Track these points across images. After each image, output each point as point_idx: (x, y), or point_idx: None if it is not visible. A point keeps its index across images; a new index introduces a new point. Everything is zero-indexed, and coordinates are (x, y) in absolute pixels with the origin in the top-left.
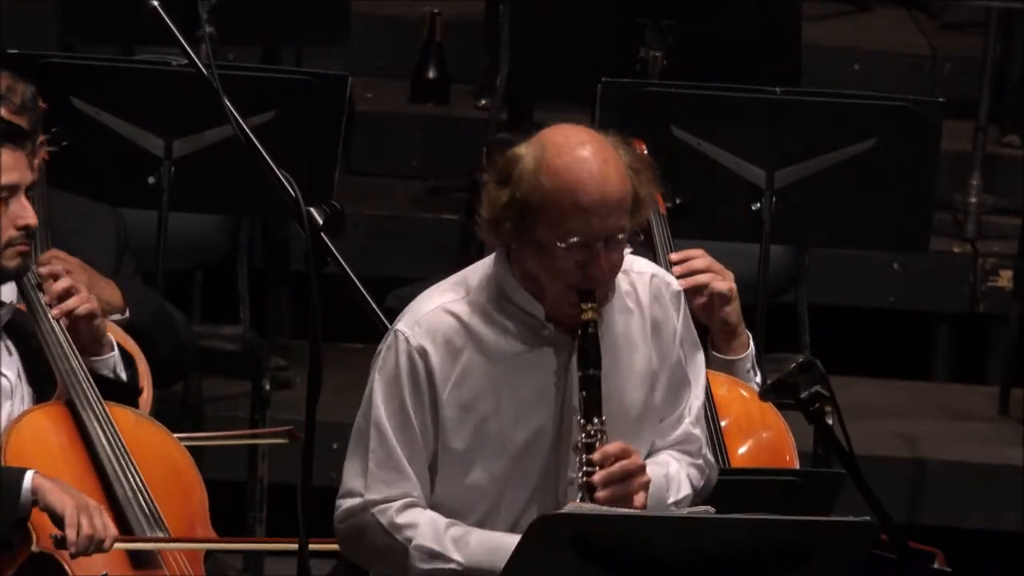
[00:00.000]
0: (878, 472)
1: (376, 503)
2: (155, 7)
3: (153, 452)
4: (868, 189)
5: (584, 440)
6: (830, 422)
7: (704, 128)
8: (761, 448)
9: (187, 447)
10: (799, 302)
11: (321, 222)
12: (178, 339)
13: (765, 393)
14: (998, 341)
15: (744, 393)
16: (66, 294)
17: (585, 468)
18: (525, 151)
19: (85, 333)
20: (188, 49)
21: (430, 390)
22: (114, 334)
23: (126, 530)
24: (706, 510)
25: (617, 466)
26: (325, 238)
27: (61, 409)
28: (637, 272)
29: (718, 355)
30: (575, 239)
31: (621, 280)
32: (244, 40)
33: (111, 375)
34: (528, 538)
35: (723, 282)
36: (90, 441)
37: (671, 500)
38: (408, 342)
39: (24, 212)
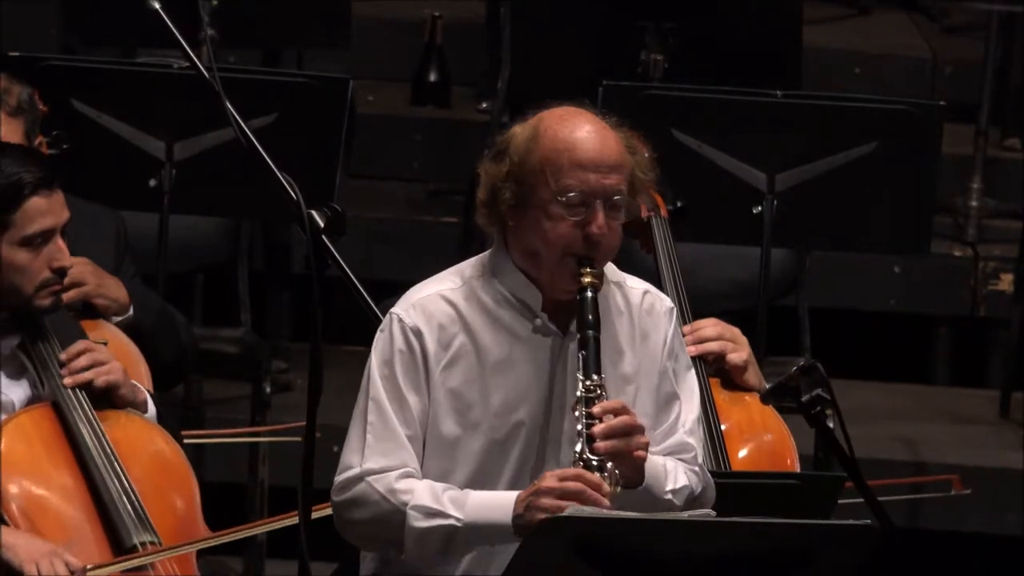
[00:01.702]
0: (878, 475)
1: (373, 472)
2: (157, 9)
3: (143, 450)
4: (869, 192)
5: (584, 394)
6: (831, 425)
7: (705, 131)
8: (762, 452)
9: (193, 445)
10: (800, 305)
11: (322, 225)
12: (179, 341)
13: (766, 396)
14: (999, 344)
15: (745, 397)
16: (87, 367)
17: (585, 420)
18: (520, 128)
19: (112, 401)
20: (189, 51)
21: (425, 369)
22: (115, 337)
23: (113, 532)
24: (707, 513)
25: (618, 420)
26: (326, 241)
27: (48, 411)
28: (631, 286)
29: None
30: (574, 194)
31: (614, 291)
32: (245, 43)
33: None
34: (530, 540)
35: (737, 353)
36: (76, 443)
37: (668, 488)
38: (403, 322)
39: (59, 254)
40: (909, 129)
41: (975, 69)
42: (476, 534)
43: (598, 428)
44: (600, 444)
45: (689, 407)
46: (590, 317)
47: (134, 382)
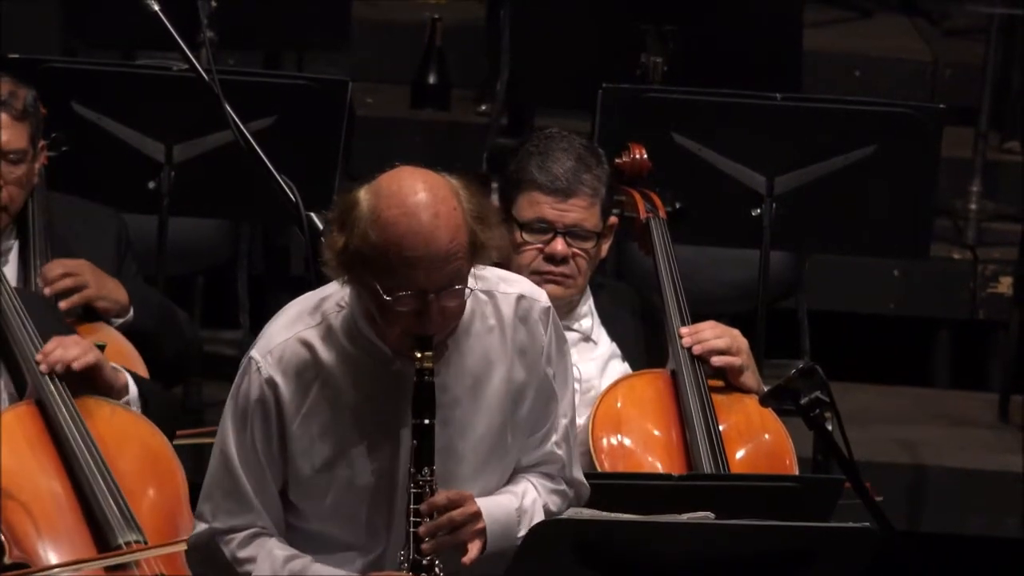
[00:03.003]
0: (878, 479)
1: (220, 532)
2: (156, 12)
3: (128, 443)
4: (868, 195)
5: (413, 490)
6: (830, 428)
7: (705, 134)
8: (760, 454)
9: (192, 446)
10: (799, 308)
11: (321, 227)
12: (183, 337)
13: (765, 399)
14: (998, 347)
15: (743, 399)
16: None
17: (413, 519)
18: (363, 196)
19: (94, 384)
20: (189, 54)
21: (279, 422)
22: (114, 340)
23: (98, 530)
24: (706, 515)
25: (444, 518)
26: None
27: (32, 409)
28: (503, 293)
29: None
30: (403, 293)
31: (484, 304)
32: (245, 45)
33: None
34: (529, 543)
35: (734, 356)
36: (61, 442)
37: (520, 534)
38: (260, 372)
39: None
40: (909, 132)
41: (975, 72)
42: None
43: (423, 528)
44: (426, 546)
45: (563, 408)
46: (426, 403)
47: (114, 364)
